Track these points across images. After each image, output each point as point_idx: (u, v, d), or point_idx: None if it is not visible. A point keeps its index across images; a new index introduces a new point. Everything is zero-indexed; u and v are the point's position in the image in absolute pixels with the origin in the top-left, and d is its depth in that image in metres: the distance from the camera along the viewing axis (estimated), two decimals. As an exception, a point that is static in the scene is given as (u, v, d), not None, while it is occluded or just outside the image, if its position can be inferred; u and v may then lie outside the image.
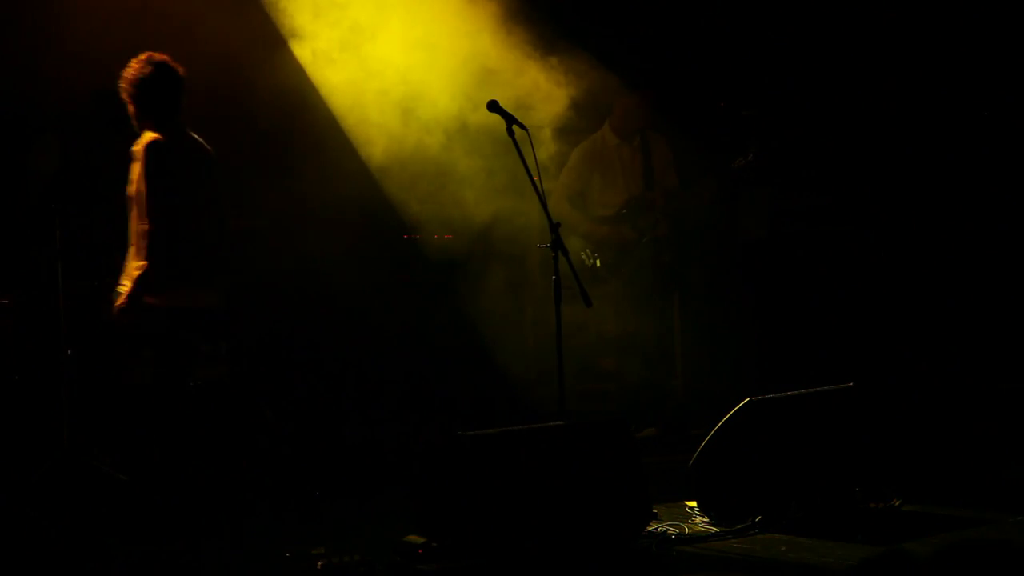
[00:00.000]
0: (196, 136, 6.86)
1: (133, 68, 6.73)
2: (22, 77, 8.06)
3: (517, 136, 6.67)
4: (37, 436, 7.61)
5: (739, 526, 6.36)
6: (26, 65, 8.07)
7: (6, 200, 8.16)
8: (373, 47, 8.18)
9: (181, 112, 6.81)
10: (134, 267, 6.61)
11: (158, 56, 6.74)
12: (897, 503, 6.68)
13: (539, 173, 6.61)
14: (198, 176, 6.79)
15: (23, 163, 8.18)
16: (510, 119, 6.74)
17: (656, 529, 6.33)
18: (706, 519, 6.52)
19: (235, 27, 7.84)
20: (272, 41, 8.09)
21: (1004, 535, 6.12)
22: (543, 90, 8.26)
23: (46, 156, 8.01)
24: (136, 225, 6.64)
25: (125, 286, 6.64)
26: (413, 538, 5.81)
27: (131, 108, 6.75)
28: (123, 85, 6.73)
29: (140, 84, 6.70)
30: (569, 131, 8.76)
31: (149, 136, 6.66)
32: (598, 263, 8.83)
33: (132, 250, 6.71)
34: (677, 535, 6.30)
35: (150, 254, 6.52)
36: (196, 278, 6.76)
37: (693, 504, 6.66)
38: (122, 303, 6.58)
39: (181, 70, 6.78)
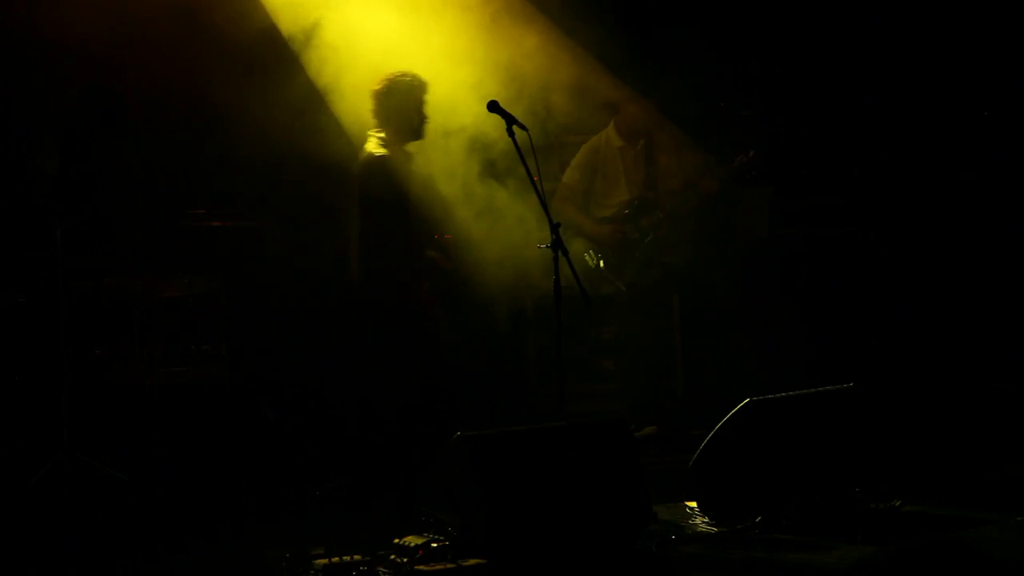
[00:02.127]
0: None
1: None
2: (19, 78, 8.06)
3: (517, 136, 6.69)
4: (37, 436, 7.62)
5: (739, 526, 6.36)
6: (23, 66, 8.07)
7: (7, 202, 8.16)
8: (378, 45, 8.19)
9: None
10: None
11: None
12: (897, 503, 6.67)
13: (539, 173, 6.61)
14: None
15: (23, 165, 8.18)
16: (510, 119, 6.74)
17: (656, 529, 6.33)
18: (706, 519, 6.52)
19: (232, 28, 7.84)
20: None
21: (1005, 535, 6.13)
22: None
23: (46, 158, 8.01)
24: None
25: None
26: (412, 538, 5.82)
27: None
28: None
29: None
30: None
31: None
32: (601, 264, 8.84)
33: None
34: (677, 535, 6.30)
35: None
36: None
37: (693, 504, 6.66)
38: None
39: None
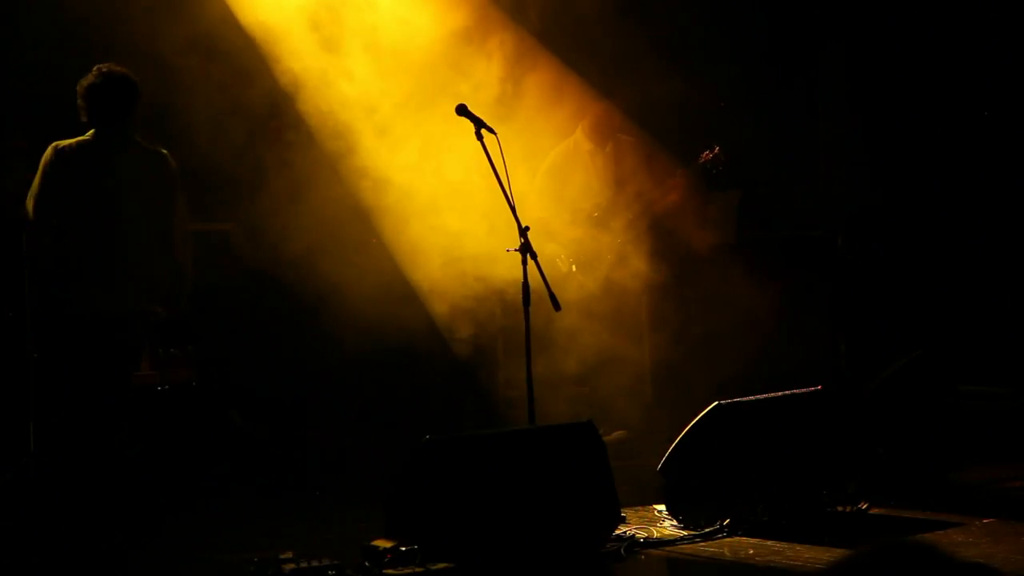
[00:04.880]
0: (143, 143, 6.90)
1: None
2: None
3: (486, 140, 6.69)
4: (3, 439, 7.57)
5: (707, 529, 6.38)
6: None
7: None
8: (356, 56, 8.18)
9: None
10: None
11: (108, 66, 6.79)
12: (864, 506, 6.71)
13: (508, 177, 6.62)
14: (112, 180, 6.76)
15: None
16: (479, 123, 6.74)
17: (624, 532, 6.34)
18: (674, 522, 6.53)
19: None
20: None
21: (970, 538, 6.16)
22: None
23: (13, 169, 7.95)
24: None
25: None
26: (381, 542, 5.80)
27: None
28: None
29: (85, 91, 6.75)
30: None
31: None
32: (573, 268, 8.85)
33: None
34: (645, 538, 6.31)
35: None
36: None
37: (662, 507, 6.68)
38: None
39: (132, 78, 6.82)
